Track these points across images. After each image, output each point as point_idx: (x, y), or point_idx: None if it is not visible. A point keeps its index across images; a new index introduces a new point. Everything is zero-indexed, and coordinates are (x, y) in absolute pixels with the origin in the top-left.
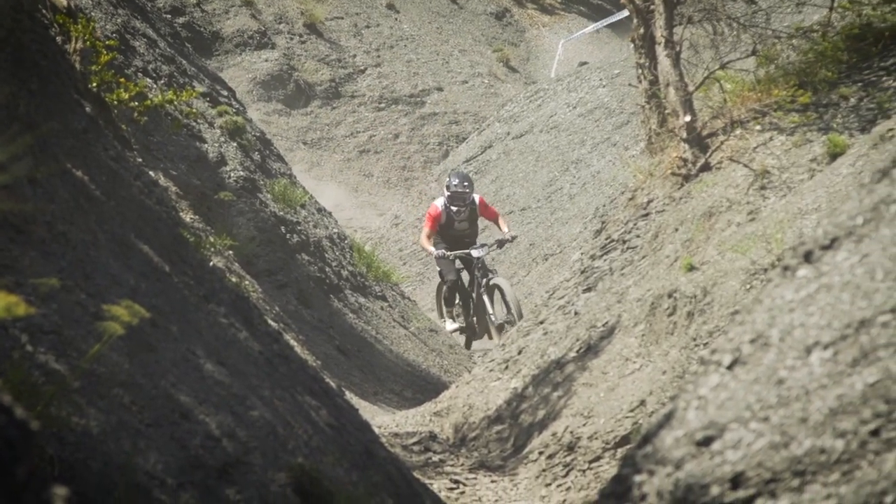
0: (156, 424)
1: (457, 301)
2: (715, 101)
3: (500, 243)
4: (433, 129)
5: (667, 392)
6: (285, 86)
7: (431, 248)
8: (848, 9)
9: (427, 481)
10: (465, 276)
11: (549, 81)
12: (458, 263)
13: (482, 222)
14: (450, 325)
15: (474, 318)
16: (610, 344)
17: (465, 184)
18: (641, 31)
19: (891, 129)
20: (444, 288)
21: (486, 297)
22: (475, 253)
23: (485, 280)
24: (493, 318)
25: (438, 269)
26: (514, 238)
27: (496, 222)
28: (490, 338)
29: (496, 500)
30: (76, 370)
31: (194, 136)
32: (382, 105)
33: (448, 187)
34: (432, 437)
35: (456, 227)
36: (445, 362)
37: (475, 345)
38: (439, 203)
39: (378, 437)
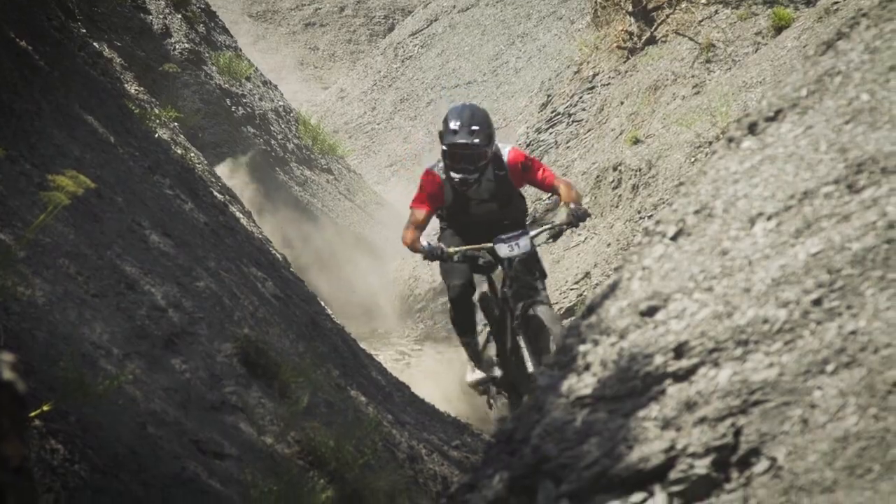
0: (101, 295)
1: (477, 326)
2: None
3: (559, 227)
4: (379, 1)
5: (611, 264)
6: None
7: (421, 244)
8: None
9: (373, 352)
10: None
11: None
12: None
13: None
14: (470, 375)
15: (513, 362)
16: (555, 216)
17: (474, 128)
18: None
19: (836, 2)
20: (449, 305)
21: (521, 337)
22: (504, 250)
23: (520, 306)
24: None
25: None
26: (584, 216)
27: (553, 190)
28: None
29: (441, 372)
30: (21, 240)
31: (138, 7)
32: None
33: (442, 137)
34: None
35: (473, 211)
36: (391, 233)
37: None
38: (437, 169)
39: (324, 309)
